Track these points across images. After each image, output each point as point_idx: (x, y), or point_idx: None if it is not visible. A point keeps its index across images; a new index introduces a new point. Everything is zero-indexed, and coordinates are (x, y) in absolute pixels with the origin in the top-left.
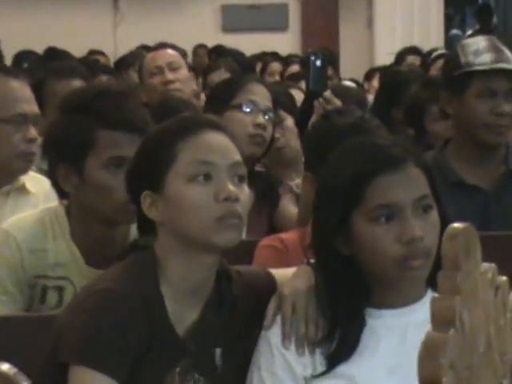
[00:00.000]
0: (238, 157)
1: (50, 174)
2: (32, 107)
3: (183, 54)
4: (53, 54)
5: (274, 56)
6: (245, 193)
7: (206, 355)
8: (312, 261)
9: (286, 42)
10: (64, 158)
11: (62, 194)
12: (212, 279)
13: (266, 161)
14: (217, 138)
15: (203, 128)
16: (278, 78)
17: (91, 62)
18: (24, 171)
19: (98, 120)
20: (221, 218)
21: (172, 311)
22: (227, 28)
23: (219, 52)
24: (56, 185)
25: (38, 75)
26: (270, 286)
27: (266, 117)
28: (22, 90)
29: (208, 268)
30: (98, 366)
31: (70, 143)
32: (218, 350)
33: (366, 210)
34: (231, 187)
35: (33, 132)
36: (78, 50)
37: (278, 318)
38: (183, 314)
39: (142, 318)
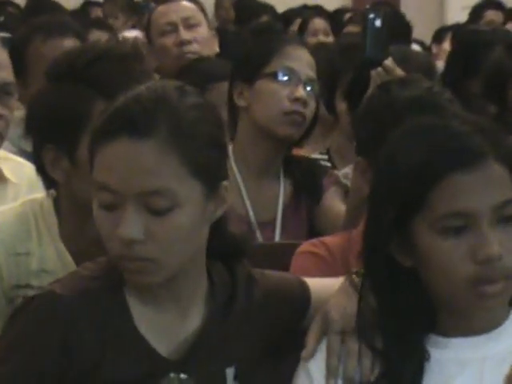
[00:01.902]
0: None
1: (35, 158)
2: None
3: (202, 7)
4: (37, 5)
5: (318, 10)
6: None
7: (213, 378)
8: (361, 270)
9: None
10: (52, 137)
11: (49, 182)
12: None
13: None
14: None
15: None
16: (323, 38)
17: (85, 16)
18: None
19: (95, 89)
20: None
21: (142, 319)
22: None
23: (247, 5)
24: (42, 171)
25: (19, 33)
26: (301, 297)
27: (308, 88)
28: None
29: None
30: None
31: (59, 118)
32: (229, 371)
33: (431, 217)
34: None
35: None
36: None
37: (323, 347)
38: (163, 323)
39: (88, 334)
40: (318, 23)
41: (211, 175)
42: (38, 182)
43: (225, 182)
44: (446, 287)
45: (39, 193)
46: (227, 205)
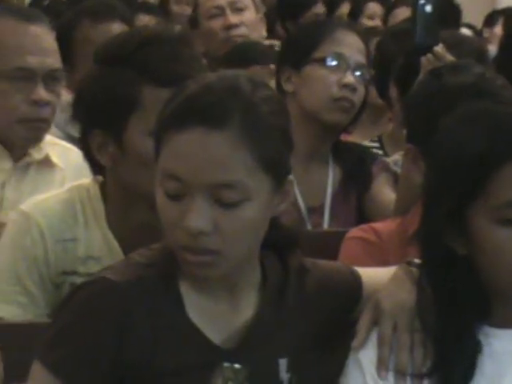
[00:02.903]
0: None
1: (82, 143)
2: (44, 60)
3: None
4: None
5: None
6: None
7: (266, 368)
8: (416, 260)
9: None
10: (100, 122)
11: (96, 167)
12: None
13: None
14: None
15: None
16: (379, 23)
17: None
18: (30, 141)
19: (143, 74)
20: None
21: (196, 308)
22: None
23: None
24: (89, 156)
25: (66, 17)
26: (352, 287)
27: (357, 74)
28: (30, 38)
29: None
30: (56, 369)
31: (107, 103)
32: (282, 361)
33: (489, 205)
34: None
35: (41, 92)
36: None
37: (374, 337)
38: (216, 312)
39: (142, 322)
40: (373, 7)
41: (279, 169)
42: (85, 168)
43: (290, 177)
44: (501, 276)
45: (86, 178)
46: (290, 199)
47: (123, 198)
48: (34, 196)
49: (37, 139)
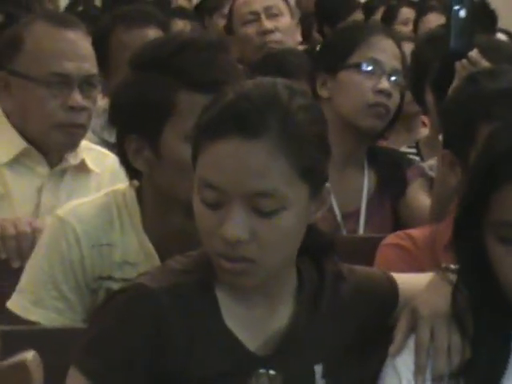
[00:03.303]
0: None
1: (118, 148)
2: (80, 65)
3: None
4: None
5: None
6: None
7: (301, 374)
8: (452, 265)
9: None
10: (136, 127)
11: (132, 172)
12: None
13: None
14: None
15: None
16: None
17: (165, 4)
18: (66, 147)
19: (179, 79)
20: None
21: (231, 314)
22: None
23: None
24: (125, 161)
25: (102, 23)
26: (389, 293)
27: (392, 79)
28: (67, 43)
29: None
30: (92, 375)
31: (143, 108)
32: (318, 368)
33: (491, 221)
34: None
35: (77, 98)
36: None
37: (411, 343)
38: (252, 319)
39: (178, 329)
40: (407, 12)
41: (317, 177)
42: (121, 173)
43: (327, 184)
44: (506, 287)
45: (121, 183)
46: (327, 206)
47: (159, 203)
48: (70, 201)
49: (73, 145)
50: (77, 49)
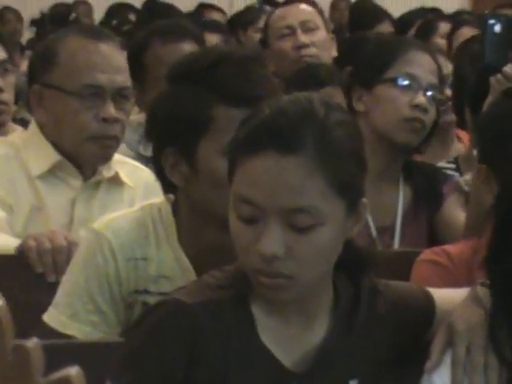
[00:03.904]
0: None
1: (155, 162)
2: (114, 77)
3: (320, 10)
4: (154, 7)
5: (436, 13)
6: None
7: None
8: (488, 281)
9: None
10: (172, 141)
11: (168, 186)
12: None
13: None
14: None
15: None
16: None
17: (199, 18)
18: (99, 159)
19: (215, 94)
20: None
21: (267, 330)
22: None
23: (363, 8)
24: (162, 175)
25: (138, 37)
26: (425, 309)
27: (429, 94)
28: (100, 55)
29: None
30: None
31: (179, 122)
32: (353, 383)
33: None
34: None
35: (110, 110)
36: (184, 2)
37: (447, 358)
38: (287, 335)
39: (213, 344)
40: (445, 27)
41: (353, 193)
42: (154, 186)
43: (364, 199)
44: None
45: (155, 197)
46: (364, 222)
47: (195, 217)
48: (103, 214)
49: (106, 157)
50: (110, 61)
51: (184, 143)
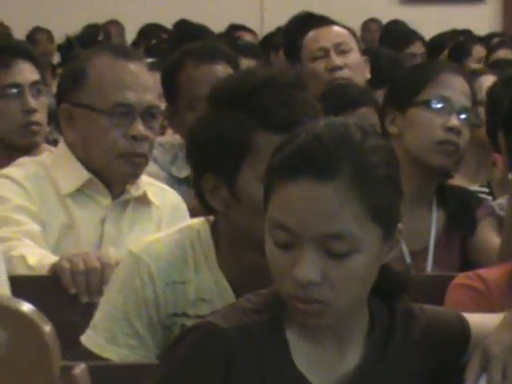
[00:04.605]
0: None
1: (194, 185)
2: (143, 96)
3: (354, 32)
4: (185, 28)
5: (467, 34)
6: None
7: None
8: None
9: (483, 17)
10: (212, 165)
11: (208, 209)
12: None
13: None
14: None
15: None
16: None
17: (232, 39)
18: (128, 176)
19: (257, 119)
20: None
21: (302, 356)
22: None
23: (395, 28)
24: (202, 198)
25: (171, 58)
26: (460, 333)
27: (462, 117)
28: (129, 74)
29: None
30: None
31: (219, 147)
32: None
33: None
34: None
35: (139, 127)
36: (215, 23)
37: (483, 382)
38: (322, 360)
39: (247, 368)
40: (479, 50)
41: (389, 219)
42: (181, 208)
43: (400, 225)
44: None
45: (182, 218)
46: (399, 247)
47: (235, 240)
48: (132, 232)
49: (135, 174)
50: (138, 79)
51: (224, 168)
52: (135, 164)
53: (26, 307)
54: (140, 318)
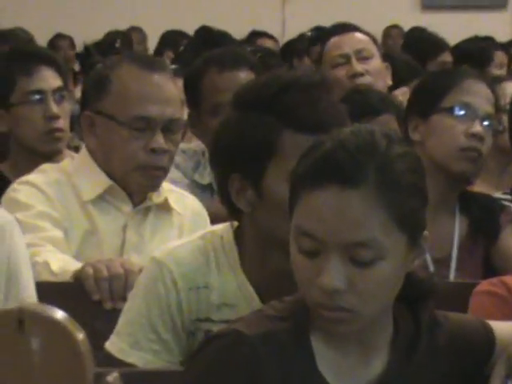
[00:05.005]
0: None
1: (219, 188)
2: (164, 109)
3: (375, 39)
4: (207, 35)
5: (489, 41)
6: None
7: None
8: None
9: (504, 24)
10: (238, 166)
11: (233, 212)
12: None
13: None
14: None
15: None
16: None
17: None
18: (146, 188)
19: (282, 119)
20: None
21: (326, 363)
22: (427, 4)
23: (417, 35)
24: (227, 200)
25: (194, 65)
26: (484, 341)
27: (485, 124)
28: (152, 86)
29: None
30: None
31: (245, 148)
32: None
33: None
34: None
35: (159, 141)
36: (236, 30)
37: None
38: (346, 367)
39: (272, 376)
40: (501, 56)
41: (415, 226)
42: (201, 214)
43: (425, 232)
44: None
45: (203, 224)
46: (425, 254)
47: (260, 243)
48: (154, 239)
49: (153, 187)
50: (162, 92)
51: (250, 169)
52: (154, 177)
53: (60, 314)
54: (163, 323)
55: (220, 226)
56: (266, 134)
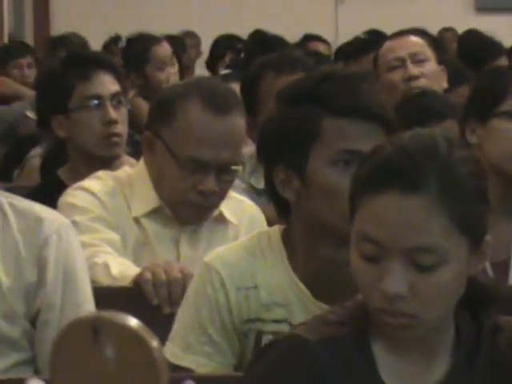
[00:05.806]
0: None
1: (266, 181)
2: (220, 154)
3: (431, 42)
4: (261, 39)
5: None
6: None
7: None
8: None
9: None
10: (282, 157)
11: (281, 206)
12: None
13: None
14: None
15: None
16: None
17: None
18: (193, 221)
19: (322, 106)
20: None
21: (388, 369)
22: (482, 7)
23: (472, 38)
24: (274, 195)
25: (251, 70)
26: None
27: None
28: (216, 133)
29: None
30: None
31: (289, 138)
32: None
33: None
34: None
35: (209, 184)
36: (289, 33)
37: None
38: (407, 374)
39: (333, 379)
40: None
41: (477, 231)
42: (259, 219)
43: (487, 237)
44: None
45: (259, 227)
46: (488, 259)
47: (308, 235)
48: (209, 252)
49: (200, 220)
50: (222, 137)
51: (294, 158)
52: (202, 213)
53: (134, 322)
54: (213, 324)
55: (268, 228)
56: (306, 122)
